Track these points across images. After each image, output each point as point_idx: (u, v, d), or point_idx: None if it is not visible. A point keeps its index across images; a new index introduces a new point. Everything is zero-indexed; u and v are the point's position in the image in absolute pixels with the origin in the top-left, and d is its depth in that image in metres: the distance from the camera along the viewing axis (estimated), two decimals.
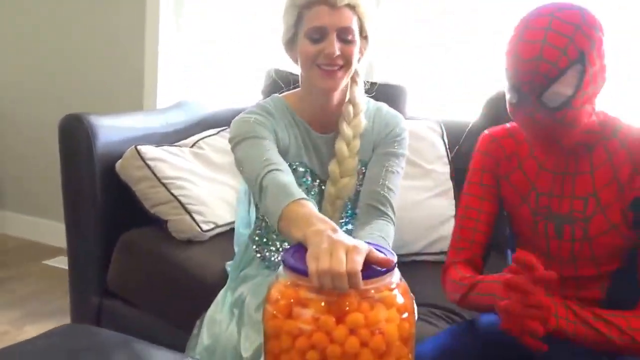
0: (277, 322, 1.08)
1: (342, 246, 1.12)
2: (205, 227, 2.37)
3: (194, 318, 2.01)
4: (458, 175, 2.38)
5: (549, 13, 1.34)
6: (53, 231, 3.74)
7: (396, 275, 1.13)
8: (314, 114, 1.76)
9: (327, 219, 1.30)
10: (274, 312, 1.09)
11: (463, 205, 1.66)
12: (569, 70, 1.32)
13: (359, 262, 1.08)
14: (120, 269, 2.41)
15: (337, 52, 1.60)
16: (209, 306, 1.94)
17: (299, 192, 1.50)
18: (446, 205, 2.35)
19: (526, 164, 1.56)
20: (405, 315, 1.10)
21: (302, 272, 1.10)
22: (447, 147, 2.45)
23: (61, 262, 3.44)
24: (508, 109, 1.44)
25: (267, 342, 1.13)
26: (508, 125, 1.60)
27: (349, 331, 1.03)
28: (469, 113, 2.54)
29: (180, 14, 3.44)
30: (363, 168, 1.78)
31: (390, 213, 1.71)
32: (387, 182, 1.72)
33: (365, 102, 1.77)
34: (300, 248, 1.21)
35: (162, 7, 3.38)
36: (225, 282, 1.96)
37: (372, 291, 1.08)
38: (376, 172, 1.74)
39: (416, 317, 1.68)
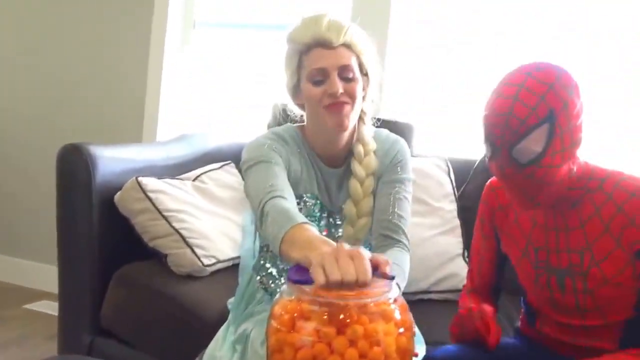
0: (281, 335, 1.15)
1: (345, 251, 1.18)
2: (206, 261, 2.41)
3: (193, 356, 2.02)
4: (465, 213, 2.44)
5: (526, 72, 1.45)
6: (36, 274, 3.71)
7: (394, 291, 1.20)
8: (324, 148, 1.84)
9: (329, 240, 1.36)
10: (278, 326, 1.16)
11: (471, 245, 1.81)
12: (537, 128, 1.41)
13: (368, 271, 1.16)
14: (115, 305, 2.43)
15: (341, 90, 1.70)
16: (208, 344, 1.97)
17: (301, 217, 1.56)
18: (454, 243, 2.42)
19: (521, 218, 1.66)
20: (402, 330, 1.17)
21: (306, 282, 1.17)
22: (454, 184, 2.52)
23: (45, 307, 3.40)
24: (487, 163, 1.53)
25: (270, 357, 1.19)
26: None
27: (349, 342, 1.10)
28: (475, 151, 2.60)
29: (185, 46, 3.55)
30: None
31: (404, 240, 1.79)
32: (396, 210, 1.80)
33: (374, 143, 1.84)
34: (303, 266, 1.28)
35: (168, 40, 3.48)
36: (226, 319, 1.99)
37: (372, 305, 1.15)
38: (384, 201, 1.81)
39: (424, 352, 1.76)
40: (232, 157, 2.89)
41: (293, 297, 1.17)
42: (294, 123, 1.92)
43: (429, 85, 2.99)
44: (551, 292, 1.58)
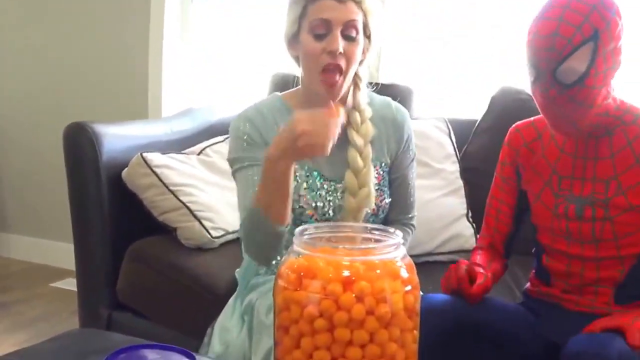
0: (287, 293, 1.19)
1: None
2: (215, 233, 2.46)
3: (205, 326, 2.09)
4: (468, 174, 2.50)
5: None
6: (60, 253, 3.81)
7: (401, 251, 1.24)
8: (316, 107, 1.79)
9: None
10: (284, 284, 1.20)
11: (489, 194, 1.85)
12: (582, 46, 1.48)
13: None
14: (129, 279, 2.50)
15: (341, 50, 1.68)
16: (219, 314, 2.04)
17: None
18: (457, 204, 2.47)
19: (548, 150, 1.71)
20: (409, 288, 1.21)
21: None
22: (455, 145, 2.57)
23: (69, 284, 3.50)
24: (530, 89, 1.59)
25: (277, 316, 1.24)
26: (532, 118, 1.77)
27: (356, 299, 1.14)
28: (475, 110, 2.66)
29: (185, 20, 3.59)
30: (382, 171, 1.88)
31: (413, 221, 1.94)
32: (411, 197, 1.94)
33: (370, 109, 1.84)
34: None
35: (167, 14, 3.51)
36: (235, 289, 2.04)
37: (378, 262, 1.19)
38: (402, 190, 1.91)
39: None
40: None
41: (299, 257, 1.21)
42: (282, 92, 1.92)
43: (427, 46, 3.02)
44: (567, 221, 1.65)
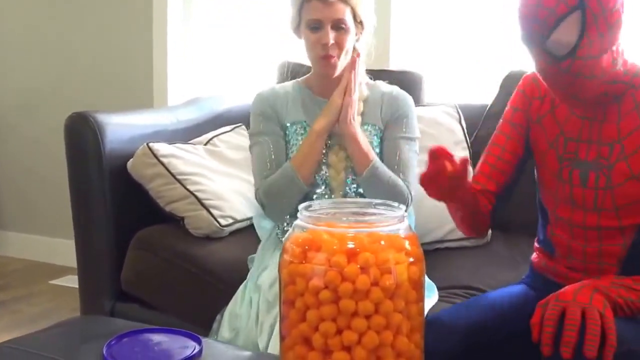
0: (292, 267, 1.23)
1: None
2: (223, 222, 2.48)
3: (213, 315, 2.15)
4: (478, 159, 2.51)
5: None
6: (60, 250, 3.83)
7: (405, 224, 1.28)
8: (319, 84, 2.12)
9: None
10: (290, 259, 1.24)
11: (490, 141, 1.82)
12: (568, 16, 1.44)
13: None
14: (135, 268, 2.51)
15: (332, 41, 1.96)
16: (228, 303, 2.10)
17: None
18: None
19: (558, 109, 1.69)
20: (413, 260, 1.24)
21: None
22: (465, 131, 2.58)
23: (70, 281, 3.51)
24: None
25: (283, 291, 1.26)
26: None
27: (361, 269, 1.18)
28: (486, 95, 2.68)
29: (188, 7, 3.62)
30: (371, 133, 2.08)
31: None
32: (401, 172, 2.03)
33: (365, 74, 2.13)
34: None
35: (170, 1, 3.55)
36: (245, 277, 2.11)
37: (382, 234, 1.23)
38: (391, 161, 2.06)
39: (437, 298, 1.88)
40: (243, 119, 2.86)
41: (304, 231, 1.24)
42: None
43: (436, 33, 3.05)
44: (571, 187, 1.63)
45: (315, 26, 1.97)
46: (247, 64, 3.54)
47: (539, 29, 1.46)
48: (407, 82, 2.53)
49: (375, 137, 2.08)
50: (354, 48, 2.04)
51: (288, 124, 2.10)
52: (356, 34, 2.03)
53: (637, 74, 1.57)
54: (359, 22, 2.02)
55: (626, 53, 1.55)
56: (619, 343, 1.39)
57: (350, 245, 1.21)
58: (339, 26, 1.97)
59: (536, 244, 1.83)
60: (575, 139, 1.64)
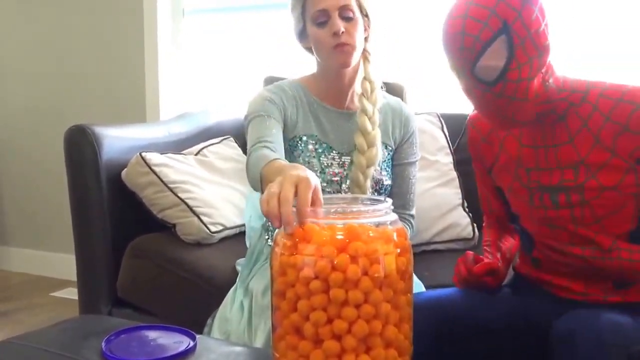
0: (283, 258, 1.21)
1: (292, 178, 1.26)
2: (213, 228, 2.50)
3: (205, 318, 2.13)
4: (462, 166, 2.54)
5: None
6: (60, 264, 3.85)
7: (392, 216, 1.28)
8: (328, 90, 2.02)
9: (299, 165, 1.46)
10: (280, 251, 1.22)
11: (478, 193, 1.86)
12: (494, 41, 1.40)
13: (306, 198, 1.23)
14: (130, 275, 2.53)
15: (342, 29, 1.86)
16: (219, 305, 2.07)
17: (276, 155, 1.70)
18: (452, 194, 2.51)
19: (506, 143, 1.65)
20: (400, 250, 1.23)
21: None
22: (448, 138, 2.61)
23: (70, 293, 3.54)
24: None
25: (274, 282, 1.25)
26: None
27: (351, 259, 1.17)
28: (466, 104, 2.67)
29: (177, 29, 3.66)
30: (385, 152, 2.03)
31: (412, 220, 2.07)
32: (412, 194, 2.08)
33: (380, 79, 2.01)
34: None
35: (160, 25, 3.61)
36: (235, 281, 2.09)
37: (370, 225, 1.23)
38: (403, 185, 2.06)
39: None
40: (232, 132, 2.99)
41: (294, 224, 1.22)
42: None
43: (415, 44, 3.08)
44: (545, 210, 1.57)
45: (322, 20, 1.88)
46: (234, 80, 3.57)
47: (467, 56, 1.42)
48: (389, 93, 2.52)
49: (388, 157, 2.05)
50: (365, 49, 1.96)
51: (300, 135, 1.97)
52: (365, 29, 1.94)
53: (574, 90, 1.52)
54: (365, 15, 1.93)
55: (556, 69, 1.51)
56: (631, 343, 1.37)
57: (340, 236, 1.20)
58: (346, 15, 1.88)
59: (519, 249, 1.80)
60: (534, 167, 1.59)
